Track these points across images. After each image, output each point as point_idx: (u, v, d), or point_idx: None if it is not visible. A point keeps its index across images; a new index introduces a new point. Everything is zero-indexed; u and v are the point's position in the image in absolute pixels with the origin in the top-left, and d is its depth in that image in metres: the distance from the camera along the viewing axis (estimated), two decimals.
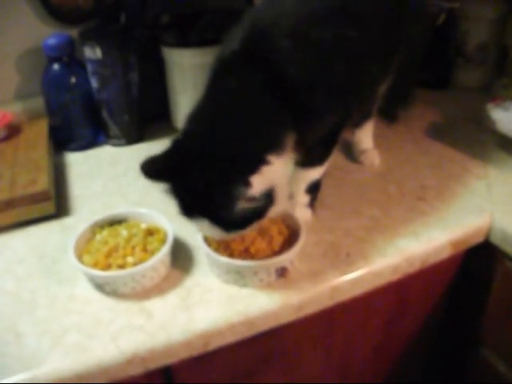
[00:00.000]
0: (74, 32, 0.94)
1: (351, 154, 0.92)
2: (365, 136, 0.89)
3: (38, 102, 0.96)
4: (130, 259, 0.64)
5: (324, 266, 0.68)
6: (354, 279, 0.67)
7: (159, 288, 0.66)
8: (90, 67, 0.91)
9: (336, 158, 0.92)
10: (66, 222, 0.79)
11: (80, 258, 0.66)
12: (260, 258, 0.64)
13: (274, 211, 0.62)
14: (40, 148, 0.88)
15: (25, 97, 1.00)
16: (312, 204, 0.77)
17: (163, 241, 0.68)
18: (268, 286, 0.65)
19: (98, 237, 0.70)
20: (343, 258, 0.69)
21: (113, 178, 0.89)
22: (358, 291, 0.69)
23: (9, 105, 0.98)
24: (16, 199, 0.76)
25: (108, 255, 0.65)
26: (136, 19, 0.91)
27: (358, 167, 0.89)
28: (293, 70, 0.60)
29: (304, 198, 0.76)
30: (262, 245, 0.65)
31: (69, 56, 0.91)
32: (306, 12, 0.64)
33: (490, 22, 1.07)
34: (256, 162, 0.58)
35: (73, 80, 0.92)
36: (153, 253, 0.66)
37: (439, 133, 0.97)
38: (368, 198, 0.80)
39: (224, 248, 0.66)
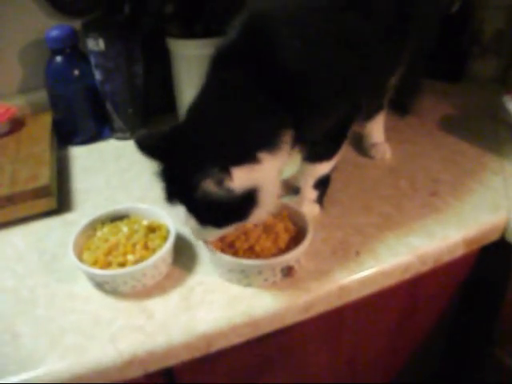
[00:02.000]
0: (76, 24, 0.92)
1: (361, 147, 0.88)
2: (376, 129, 0.85)
3: (42, 96, 0.94)
4: (130, 257, 0.62)
5: (332, 265, 0.64)
6: (363, 279, 0.64)
7: (160, 287, 0.63)
8: (93, 59, 0.88)
9: (345, 151, 0.88)
10: (67, 217, 0.77)
11: (80, 255, 0.64)
12: (265, 257, 0.61)
13: (258, 215, 0.58)
14: (42, 142, 0.86)
15: (28, 90, 0.97)
16: (320, 200, 0.73)
17: (165, 238, 0.65)
18: (273, 286, 0.62)
19: (99, 233, 0.67)
20: (353, 257, 0.66)
21: (116, 173, 0.86)
22: (367, 291, 0.66)
23: (12, 98, 0.96)
24: (17, 195, 0.73)
25: (108, 253, 0.63)
26: (140, 10, 0.88)
27: (368, 161, 0.85)
28: (293, 61, 0.57)
29: (312, 194, 0.72)
30: (267, 243, 0.62)
31: (72, 48, 0.88)
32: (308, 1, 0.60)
33: (507, 9, 1.02)
34: (242, 156, 0.55)
35: (76, 72, 0.89)
36: (154, 250, 0.63)
37: (453, 126, 0.93)
38: (379, 194, 0.77)
39: (228, 246, 0.63)
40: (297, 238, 0.65)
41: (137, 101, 0.92)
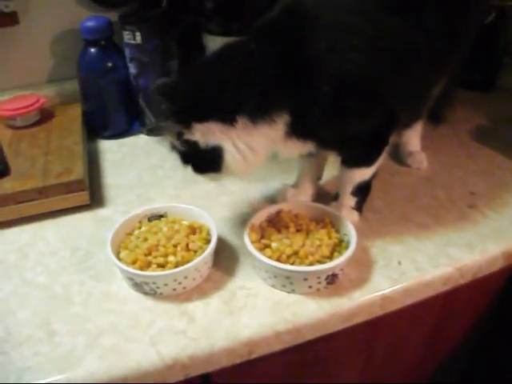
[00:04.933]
0: (111, 15, 0.89)
1: (396, 155, 0.86)
2: (413, 137, 0.83)
3: (72, 86, 0.91)
4: (171, 258, 0.59)
5: (374, 274, 0.62)
6: (405, 289, 0.62)
7: (201, 290, 0.60)
8: (128, 52, 0.85)
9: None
10: (100, 213, 0.74)
11: (117, 254, 0.61)
12: (309, 263, 0.59)
13: (227, 173, 0.60)
14: (74, 134, 0.83)
15: (58, 80, 0.94)
16: (359, 207, 0.71)
17: (206, 239, 0.63)
18: (317, 293, 0.59)
19: (137, 232, 0.65)
20: (395, 267, 0.63)
21: (148, 169, 0.84)
22: (408, 302, 0.63)
23: (42, 88, 0.93)
24: (49, 188, 0.71)
25: (148, 253, 0.60)
26: (179, 4, 0.85)
27: (404, 169, 0.83)
28: (318, 53, 0.55)
29: (351, 201, 0.70)
30: (311, 249, 0.60)
31: (106, 40, 0.85)
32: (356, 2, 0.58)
33: None
34: (214, 113, 0.56)
35: (110, 65, 0.86)
36: (196, 252, 0.61)
37: (486, 137, 0.91)
38: (417, 204, 0.74)
39: (272, 250, 0.60)
40: (339, 244, 0.63)
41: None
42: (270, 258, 0.59)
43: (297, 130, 0.59)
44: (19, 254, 0.67)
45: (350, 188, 0.69)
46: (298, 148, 0.62)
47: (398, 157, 0.85)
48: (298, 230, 0.64)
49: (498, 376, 0.85)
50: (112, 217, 0.73)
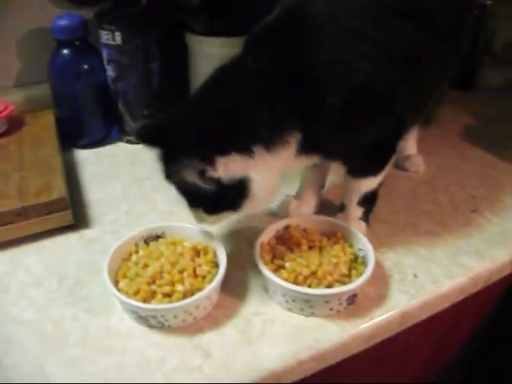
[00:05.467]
0: (85, 13, 0.80)
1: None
2: (410, 141, 0.80)
3: (43, 91, 0.81)
4: (179, 287, 0.53)
5: (392, 289, 0.59)
6: (424, 304, 0.59)
7: (212, 319, 0.54)
8: (106, 54, 0.77)
9: None
10: (86, 234, 0.67)
11: (115, 283, 0.54)
12: (328, 283, 0.54)
13: (251, 206, 0.55)
14: (49, 145, 0.74)
15: (27, 85, 0.85)
16: (366, 218, 0.67)
17: (212, 262, 0.57)
18: (337, 315, 0.55)
19: (134, 257, 0.58)
20: (411, 280, 0.60)
21: (134, 181, 0.76)
22: (425, 315, 0.60)
23: (9, 93, 0.83)
24: (28, 209, 0.62)
25: (151, 281, 0.53)
26: (159, 1, 0.78)
27: (401, 173, 0.80)
28: (321, 60, 0.51)
29: (357, 211, 0.66)
30: (329, 268, 0.56)
31: (81, 40, 0.77)
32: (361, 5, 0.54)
33: None
34: (232, 146, 0.51)
35: (85, 67, 0.78)
36: (204, 278, 0.55)
37: (475, 136, 0.89)
38: (421, 210, 0.72)
39: (287, 272, 0.55)
40: (355, 260, 0.59)
41: (152, 101, 0.82)
42: (286, 280, 0.54)
43: (307, 146, 0.55)
44: None
45: (356, 198, 0.65)
46: (306, 162, 0.58)
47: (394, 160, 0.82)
48: (310, 247, 0.59)
49: (500, 378, 0.84)
50: (100, 238, 0.66)
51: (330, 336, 0.53)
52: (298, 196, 0.70)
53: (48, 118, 0.81)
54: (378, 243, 0.65)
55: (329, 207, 0.70)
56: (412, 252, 0.64)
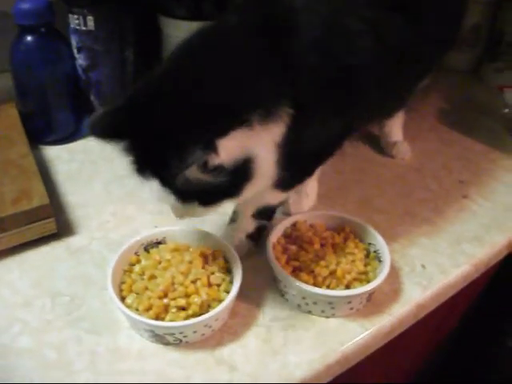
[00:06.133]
0: None
1: (377, 146, 0.81)
2: (395, 127, 0.78)
3: (4, 82, 0.71)
4: (196, 299, 0.48)
5: (404, 283, 0.57)
6: (435, 294, 0.58)
7: (229, 329, 0.50)
8: (76, 40, 0.69)
9: (365, 151, 0.81)
10: (72, 242, 0.59)
11: (121, 300, 0.49)
12: (347, 282, 0.52)
13: (252, 190, 0.48)
14: (18, 144, 0.65)
15: None
16: (256, 237, 0.59)
17: (224, 268, 0.53)
18: (357, 314, 0.53)
19: (137, 268, 0.52)
20: (420, 271, 0.59)
21: (115, 180, 0.69)
22: (434, 306, 0.60)
23: None
24: (5, 220, 0.54)
25: (163, 295, 0.48)
26: None
27: (389, 160, 0.78)
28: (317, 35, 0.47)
29: (249, 225, 0.58)
30: (347, 266, 0.53)
31: (47, 26, 0.67)
32: None
33: (483, 4, 1.00)
34: (231, 120, 0.43)
35: (52, 56, 0.69)
36: (219, 286, 0.51)
37: (451, 120, 0.90)
38: (415, 198, 0.71)
39: (306, 272, 0.52)
40: (368, 256, 0.57)
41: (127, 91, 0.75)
42: (306, 282, 0.51)
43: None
44: None
45: (251, 210, 0.57)
46: None
47: (377, 147, 0.81)
48: (321, 245, 0.56)
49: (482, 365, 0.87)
50: (89, 246, 0.59)
51: (352, 336, 0.51)
52: (295, 190, 0.66)
53: (11, 113, 0.71)
54: (381, 235, 0.63)
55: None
56: (415, 242, 0.63)
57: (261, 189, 0.50)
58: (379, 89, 0.53)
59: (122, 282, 0.51)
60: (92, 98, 0.73)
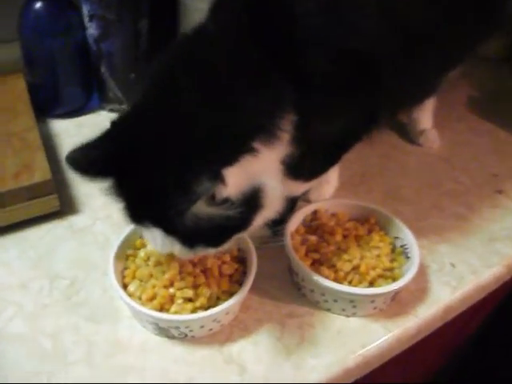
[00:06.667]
0: None
1: (404, 133, 0.75)
2: (425, 114, 0.73)
3: (12, 52, 0.66)
4: (205, 291, 0.43)
5: (432, 282, 0.52)
6: (465, 296, 0.52)
7: (240, 323, 0.46)
8: (87, 8, 0.63)
9: (390, 136, 0.75)
10: (75, 221, 0.55)
11: (123, 288, 0.44)
12: (371, 279, 0.47)
13: (263, 219, 0.43)
14: (23, 116, 0.61)
15: None
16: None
17: (237, 257, 0.48)
18: (380, 313, 0.48)
19: (142, 253, 0.47)
20: (449, 270, 0.54)
21: None
22: (463, 308, 0.55)
23: None
24: (5, 195, 0.50)
25: (169, 284, 0.44)
26: None
27: (416, 149, 0.72)
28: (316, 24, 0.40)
29: None
30: (371, 261, 0.48)
31: None
32: None
33: None
34: (234, 149, 0.38)
35: (62, 24, 0.64)
36: (231, 276, 0.46)
37: (482, 109, 0.83)
38: (443, 190, 0.65)
39: (327, 266, 0.47)
40: (394, 251, 0.51)
41: (140, 64, 0.69)
42: (326, 277, 0.46)
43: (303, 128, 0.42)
44: None
45: None
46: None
47: (404, 134, 0.75)
48: (344, 236, 0.51)
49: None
50: (92, 226, 0.55)
51: (374, 338, 0.46)
52: None
53: (18, 84, 0.66)
54: (408, 227, 0.58)
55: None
56: (444, 238, 0.58)
57: (273, 216, 0.44)
58: (400, 76, 0.47)
59: (126, 268, 0.46)
60: (103, 69, 0.68)
